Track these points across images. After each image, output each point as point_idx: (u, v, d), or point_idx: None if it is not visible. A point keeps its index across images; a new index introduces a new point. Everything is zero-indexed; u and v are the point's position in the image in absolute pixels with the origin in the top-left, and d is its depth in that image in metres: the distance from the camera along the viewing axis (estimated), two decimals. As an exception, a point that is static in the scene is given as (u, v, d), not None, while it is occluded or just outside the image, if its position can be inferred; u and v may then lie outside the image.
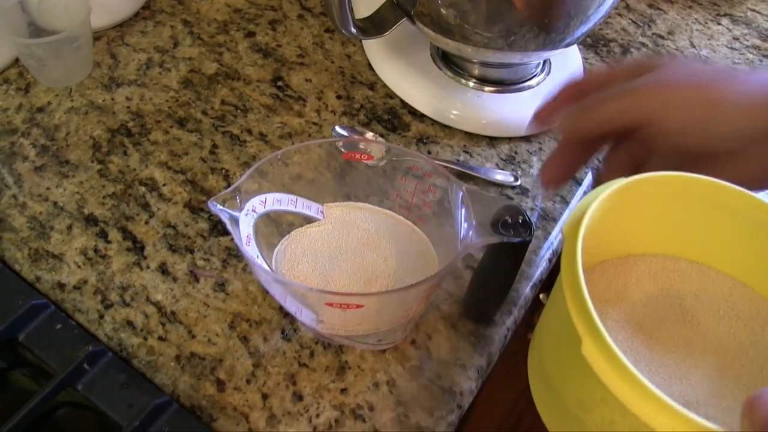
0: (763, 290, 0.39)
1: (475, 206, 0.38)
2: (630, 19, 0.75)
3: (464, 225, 0.39)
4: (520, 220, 0.38)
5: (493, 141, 0.59)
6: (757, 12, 0.77)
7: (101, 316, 0.46)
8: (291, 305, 0.38)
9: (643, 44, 0.72)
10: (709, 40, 0.73)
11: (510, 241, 0.38)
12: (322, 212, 0.45)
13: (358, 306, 0.35)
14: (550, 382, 0.36)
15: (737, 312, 0.38)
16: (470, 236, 0.37)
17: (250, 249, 0.38)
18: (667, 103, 0.39)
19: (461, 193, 0.39)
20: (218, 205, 0.37)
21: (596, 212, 0.34)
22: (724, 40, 0.73)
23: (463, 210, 0.39)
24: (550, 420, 0.36)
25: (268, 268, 0.39)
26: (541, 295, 0.71)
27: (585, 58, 0.69)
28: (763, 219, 0.36)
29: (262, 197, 0.41)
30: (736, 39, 0.74)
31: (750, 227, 0.37)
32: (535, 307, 0.73)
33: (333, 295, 0.36)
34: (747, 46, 0.73)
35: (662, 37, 0.73)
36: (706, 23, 0.76)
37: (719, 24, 0.76)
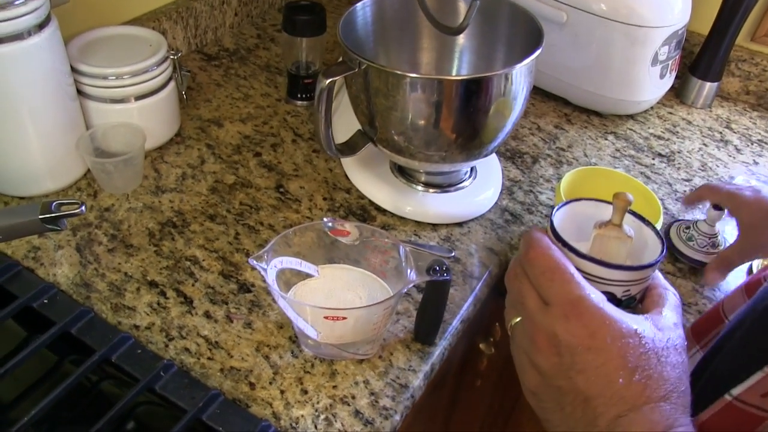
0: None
1: (415, 259, 0.65)
2: (540, 137, 1.06)
3: (408, 270, 0.65)
4: (444, 268, 0.65)
5: (435, 227, 0.87)
6: (633, 131, 1.09)
7: (166, 346, 0.71)
8: (300, 323, 0.64)
9: (549, 155, 1.02)
10: (598, 151, 1.04)
11: (436, 280, 0.64)
12: (317, 270, 0.71)
13: (343, 318, 0.61)
14: None
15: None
16: (411, 276, 0.64)
17: (275, 287, 0.64)
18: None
19: (405, 251, 0.66)
20: (255, 261, 0.63)
21: (565, 182, 0.85)
22: (609, 151, 1.04)
23: (406, 261, 0.66)
24: None
25: (287, 296, 0.66)
26: (481, 345, 0.97)
27: (504, 167, 0.98)
28: (635, 185, 0.86)
29: (279, 259, 0.67)
30: (617, 150, 1.05)
31: (629, 187, 0.85)
32: (477, 354, 0.99)
33: (327, 310, 0.62)
34: (625, 155, 1.04)
35: (563, 150, 1.04)
36: (597, 139, 1.07)
37: (606, 139, 1.07)
